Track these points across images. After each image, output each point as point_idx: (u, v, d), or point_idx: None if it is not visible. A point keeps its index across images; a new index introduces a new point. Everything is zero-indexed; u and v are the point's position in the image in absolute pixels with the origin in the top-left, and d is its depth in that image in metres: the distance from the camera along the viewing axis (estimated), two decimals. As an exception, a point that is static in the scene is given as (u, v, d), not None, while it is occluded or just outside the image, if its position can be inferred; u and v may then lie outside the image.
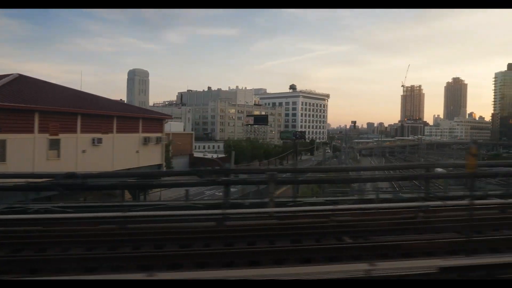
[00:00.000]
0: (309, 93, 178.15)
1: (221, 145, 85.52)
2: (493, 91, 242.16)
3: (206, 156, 57.45)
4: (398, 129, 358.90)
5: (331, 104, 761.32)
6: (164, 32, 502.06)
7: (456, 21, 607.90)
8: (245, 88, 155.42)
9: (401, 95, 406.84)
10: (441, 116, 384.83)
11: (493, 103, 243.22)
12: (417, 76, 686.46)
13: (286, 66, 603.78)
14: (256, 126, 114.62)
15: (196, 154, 64.61)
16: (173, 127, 60.62)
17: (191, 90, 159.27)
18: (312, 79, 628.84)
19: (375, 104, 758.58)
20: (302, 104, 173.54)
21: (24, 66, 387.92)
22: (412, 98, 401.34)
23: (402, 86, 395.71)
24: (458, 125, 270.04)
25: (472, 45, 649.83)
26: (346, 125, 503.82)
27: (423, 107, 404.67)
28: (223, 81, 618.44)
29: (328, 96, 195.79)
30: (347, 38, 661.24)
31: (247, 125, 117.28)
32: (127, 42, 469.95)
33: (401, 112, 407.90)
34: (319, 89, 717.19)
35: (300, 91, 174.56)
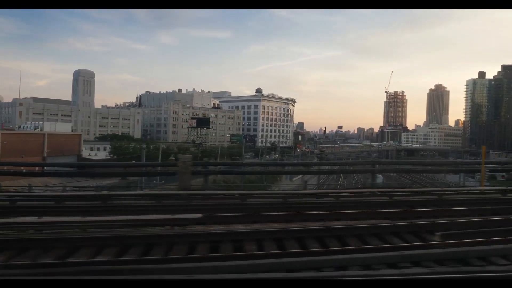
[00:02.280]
0: (271, 97, 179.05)
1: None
2: (465, 98, 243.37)
3: (93, 157, 58.35)
4: (378, 135, 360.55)
5: (320, 107, 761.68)
6: (157, 34, 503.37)
7: (446, 28, 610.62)
8: (202, 90, 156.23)
9: (384, 101, 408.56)
10: (423, 122, 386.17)
11: (464, 110, 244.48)
12: (405, 82, 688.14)
13: (278, 69, 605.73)
14: (199, 128, 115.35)
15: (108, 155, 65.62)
16: (58, 127, 61.52)
17: (149, 92, 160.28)
18: (303, 83, 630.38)
19: (366, 109, 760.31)
20: (264, 108, 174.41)
21: (13, 64, 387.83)
22: (395, 104, 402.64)
23: (386, 92, 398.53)
24: (432, 131, 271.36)
25: (459, 51, 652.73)
26: (332, 130, 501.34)
27: (405, 113, 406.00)
28: (213, 83, 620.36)
29: (293, 100, 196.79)
30: (338, 43, 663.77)
31: (191, 127, 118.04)
32: (119, 42, 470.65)
33: (384, 117, 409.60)
34: (310, 93, 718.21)
35: (262, 95, 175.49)
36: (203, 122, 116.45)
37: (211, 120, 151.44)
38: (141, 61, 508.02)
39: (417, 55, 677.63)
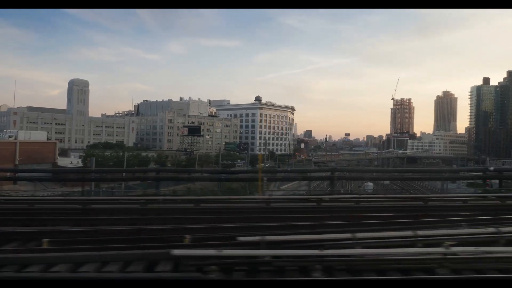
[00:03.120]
0: (269, 104, 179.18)
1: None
2: (469, 105, 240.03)
3: (68, 165, 59.03)
4: (384, 143, 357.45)
5: (328, 115, 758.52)
6: (167, 43, 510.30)
7: (454, 35, 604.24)
8: (199, 98, 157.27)
9: (391, 108, 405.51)
10: (432, 129, 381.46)
11: (468, 117, 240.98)
12: (413, 89, 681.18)
13: (287, 78, 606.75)
14: (190, 136, 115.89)
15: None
16: (34, 135, 62.46)
17: (147, 101, 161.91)
18: (312, 91, 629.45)
19: (375, 117, 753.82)
20: (262, 116, 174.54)
21: (28, 75, 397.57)
22: (402, 111, 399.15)
23: (392, 99, 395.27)
24: (437, 139, 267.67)
25: (467, 58, 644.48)
26: (341, 138, 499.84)
27: (413, 120, 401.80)
28: (222, 92, 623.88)
29: (292, 108, 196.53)
30: (347, 51, 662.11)
31: (182, 135, 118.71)
32: (130, 52, 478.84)
33: (390, 125, 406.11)
34: (319, 101, 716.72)
35: (260, 103, 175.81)
36: (194, 130, 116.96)
37: (207, 128, 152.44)
38: (151, 70, 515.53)
39: (426, 62, 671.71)
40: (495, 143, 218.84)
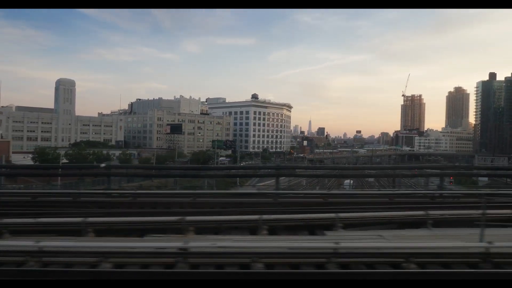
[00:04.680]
0: (263, 102, 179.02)
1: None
2: (475, 101, 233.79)
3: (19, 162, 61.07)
4: (393, 140, 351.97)
5: (344, 113, 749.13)
6: (182, 42, 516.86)
7: (476, 29, 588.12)
8: (190, 96, 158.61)
9: (401, 105, 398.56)
10: (443, 126, 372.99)
11: (474, 113, 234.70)
12: (427, 85, 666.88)
13: (302, 75, 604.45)
14: (173, 134, 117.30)
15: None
16: (-12, 135, 64.49)
17: (140, 99, 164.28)
18: (328, 88, 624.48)
19: (390, 113, 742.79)
20: (255, 114, 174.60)
21: (47, 76, 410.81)
22: (413, 107, 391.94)
23: (403, 95, 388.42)
24: (444, 136, 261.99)
25: (484, 53, 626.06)
26: (350, 135, 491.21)
27: (423, 117, 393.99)
28: (238, 90, 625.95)
29: (288, 105, 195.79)
30: (363, 48, 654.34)
31: (165, 133, 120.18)
32: (146, 52, 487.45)
33: (400, 121, 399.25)
34: (335, 98, 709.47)
35: (253, 100, 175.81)
36: (176, 129, 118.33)
37: (197, 126, 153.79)
38: (167, 69, 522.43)
39: (442, 58, 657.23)
40: (501, 140, 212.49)
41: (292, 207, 10.83)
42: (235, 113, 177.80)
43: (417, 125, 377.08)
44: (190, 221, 8.10)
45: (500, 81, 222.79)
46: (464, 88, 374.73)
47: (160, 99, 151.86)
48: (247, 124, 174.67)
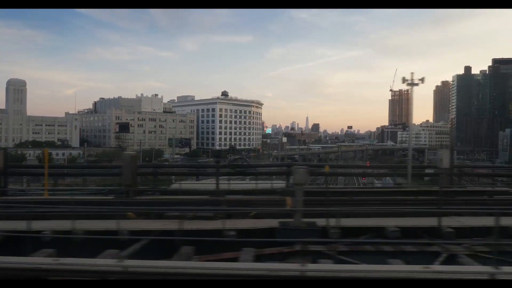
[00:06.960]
0: (230, 99, 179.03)
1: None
2: (451, 94, 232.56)
3: None
4: (379, 135, 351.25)
5: (341, 108, 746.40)
6: (180, 41, 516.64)
7: (471, 24, 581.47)
8: (153, 95, 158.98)
9: (389, 100, 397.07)
10: (431, 120, 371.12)
11: (450, 107, 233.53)
12: (426, 80, 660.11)
13: (299, 71, 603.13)
14: (123, 133, 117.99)
15: None
16: None
17: (103, 98, 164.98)
18: (325, 84, 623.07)
19: (386, 108, 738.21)
20: (221, 111, 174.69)
21: (44, 75, 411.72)
22: (400, 102, 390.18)
23: (390, 90, 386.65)
24: (423, 130, 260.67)
25: (479, 48, 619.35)
26: (344, 130, 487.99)
27: (412, 111, 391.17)
28: (236, 88, 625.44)
29: (258, 102, 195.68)
30: (361, 43, 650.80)
31: (114, 132, 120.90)
32: (143, 51, 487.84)
33: (388, 116, 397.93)
34: (332, 94, 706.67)
35: (219, 98, 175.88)
36: (123, 127, 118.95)
37: (159, 124, 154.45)
38: (165, 68, 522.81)
39: (438, 53, 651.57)
40: (476, 133, 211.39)
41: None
42: (202, 110, 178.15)
43: (404, 119, 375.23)
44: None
45: (476, 74, 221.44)
46: (451, 81, 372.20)
47: (119, 97, 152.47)
48: (213, 121, 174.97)
